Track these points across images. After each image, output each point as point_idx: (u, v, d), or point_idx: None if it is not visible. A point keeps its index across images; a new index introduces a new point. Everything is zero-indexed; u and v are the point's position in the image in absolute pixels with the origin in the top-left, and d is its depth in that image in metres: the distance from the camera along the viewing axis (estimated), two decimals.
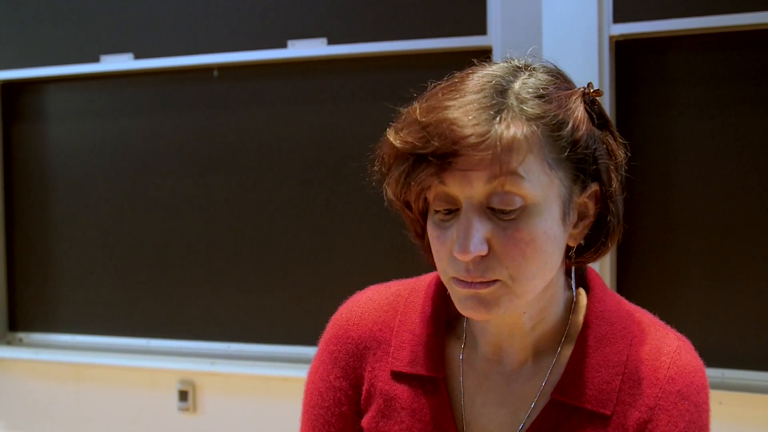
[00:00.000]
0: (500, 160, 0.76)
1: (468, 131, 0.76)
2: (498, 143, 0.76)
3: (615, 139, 0.87)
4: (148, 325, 3.05)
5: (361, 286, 1.06)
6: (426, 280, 1.01)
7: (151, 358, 2.99)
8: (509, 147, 0.77)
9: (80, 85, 3.10)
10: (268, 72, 2.86)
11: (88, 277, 3.13)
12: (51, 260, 3.18)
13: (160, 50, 2.94)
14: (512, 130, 0.77)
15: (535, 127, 0.78)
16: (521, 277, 0.81)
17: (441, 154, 0.77)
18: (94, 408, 3.11)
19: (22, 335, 3.23)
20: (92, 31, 3.03)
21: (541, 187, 0.79)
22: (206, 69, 2.92)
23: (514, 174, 0.77)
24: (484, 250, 0.79)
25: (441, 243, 0.82)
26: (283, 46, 2.80)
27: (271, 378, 2.81)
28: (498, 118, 0.77)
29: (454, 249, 0.79)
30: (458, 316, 0.97)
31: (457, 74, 0.85)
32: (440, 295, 0.97)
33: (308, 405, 1.02)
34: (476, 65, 0.86)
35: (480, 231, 0.79)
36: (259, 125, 2.88)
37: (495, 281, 0.81)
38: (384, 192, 0.88)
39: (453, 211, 0.81)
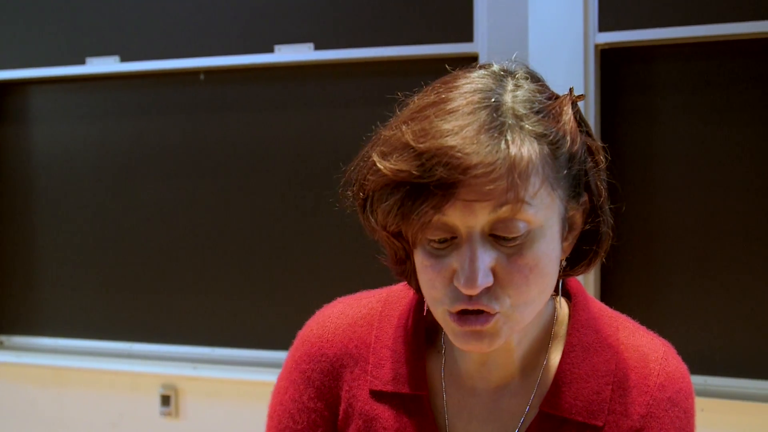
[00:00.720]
0: (508, 189, 0.72)
1: (474, 160, 0.71)
2: (506, 172, 0.72)
3: (596, 145, 0.84)
4: (131, 328, 3.03)
5: (347, 292, 1.03)
6: (398, 292, 0.97)
7: (133, 362, 2.97)
8: (518, 175, 0.72)
9: (66, 87, 3.09)
10: (255, 76, 2.86)
11: (71, 281, 3.11)
12: (34, 263, 3.16)
13: (147, 53, 2.93)
14: (520, 156, 0.72)
15: (538, 147, 0.74)
16: (522, 304, 0.77)
17: (444, 184, 0.72)
18: (75, 412, 3.08)
19: (3, 338, 3.20)
20: (78, 34, 3.01)
21: (545, 210, 0.76)
22: (193, 73, 2.91)
23: (521, 201, 0.73)
24: (490, 282, 0.75)
25: (436, 272, 0.77)
26: (270, 50, 2.80)
27: (254, 383, 2.80)
28: (503, 143, 0.72)
29: (459, 281, 0.75)
30: (436, 330, 0.94)
31: (438, 85, 0.80)
32: (418, 310, 0.94)
33: (277, 429, 0.96)
34: (456, 73, 0.81)
35: (485, 261, 0.74)
36: (246, 129, 2.87)
37: (496, 314, 0.77)
38: (362, 219, 0.83)
39: (449, 238, 0.76)
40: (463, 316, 0.77)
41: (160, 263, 2.99)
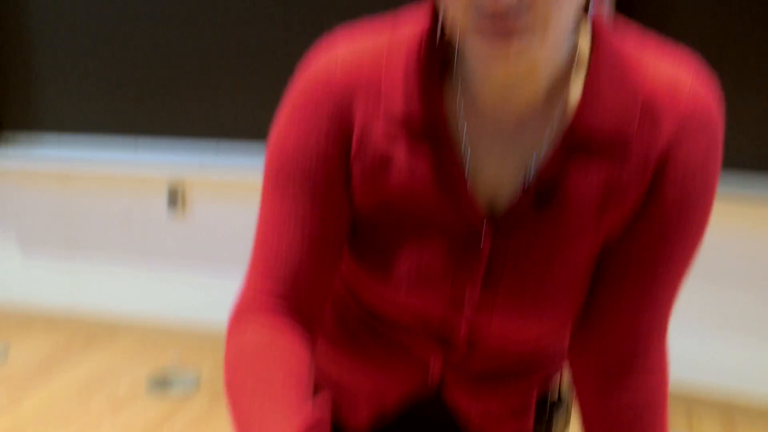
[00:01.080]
0: None
1: None
2: None
3: None
4: (136, 121, 3.01)
5: None
6: (404, 24, 0.90)
7: (140, 162, 2.98)
8: None
9: None
10: None
11: (74, 76, 3.07)
12: (36, 57, 3.11)
13: None
14: None
15: None
16: (553, 23, 0.72)
17: None
18: (83, 213, 3.13)
19: (8, 134, 3.20)
20: None
21: None
22: None
23: None
24: None
25: None
26: None
27: (260, 179, 2.81)
28: None
29: None
30: (451, 63, 0.88)
31: None
32: (431, 40, 0.87)
33: (280, 174, 0.91)
34: None
35: None
36: None
37: (526, 28, 0.71)
38: None
39: None
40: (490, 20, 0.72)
41: (162, 58, 2.95)
